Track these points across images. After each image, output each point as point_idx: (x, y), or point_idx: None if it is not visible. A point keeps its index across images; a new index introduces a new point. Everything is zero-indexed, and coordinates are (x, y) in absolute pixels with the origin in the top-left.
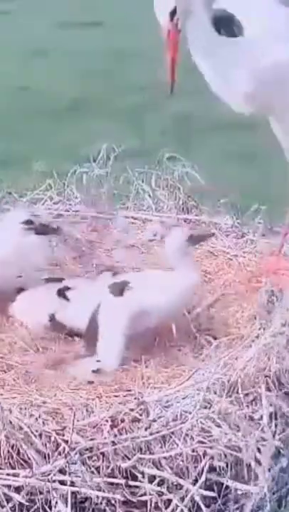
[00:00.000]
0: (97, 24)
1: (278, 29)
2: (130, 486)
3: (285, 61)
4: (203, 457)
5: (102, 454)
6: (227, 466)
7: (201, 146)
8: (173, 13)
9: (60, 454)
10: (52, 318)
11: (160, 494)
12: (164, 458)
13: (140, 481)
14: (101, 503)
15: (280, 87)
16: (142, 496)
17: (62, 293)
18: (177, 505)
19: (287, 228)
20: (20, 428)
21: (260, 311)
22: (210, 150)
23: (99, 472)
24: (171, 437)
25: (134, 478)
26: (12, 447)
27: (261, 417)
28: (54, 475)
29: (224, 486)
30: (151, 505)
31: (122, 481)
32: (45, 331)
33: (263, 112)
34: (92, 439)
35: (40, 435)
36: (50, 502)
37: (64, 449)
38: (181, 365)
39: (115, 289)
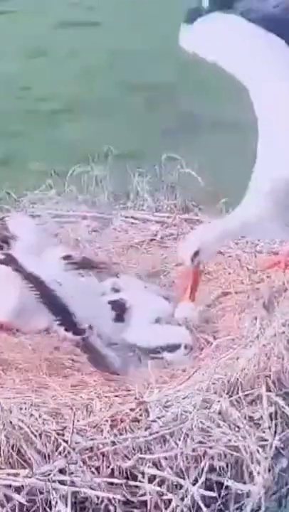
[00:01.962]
0: (97, 24)
1: None
2: (130, 486)
3: None
4: (203, 457)
5: (102, 454)
6: (227, 466)
7: (201, 146)
8: (195, 254)
9: (60, 454)
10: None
11: (160, 494)
12: (164, 458)
13: (140, 481)
14: (101, 503)
15: None
16: (142, 495)
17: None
18: (177, 505)
19: None
20: (20, 428)
21: (260, 311)
22: (210, 150)
23: (99, 472)
24: (171, 437)
25: (134, 478)
26: (12, 447)
27: (261, 417)
28: (54, 475)
29: (224, 486)
30: (151, 505)
31: (122, 481)
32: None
33: None
34: (92, 439)
35: (40, 435)
36: (50, 502)
37: (64, 449)
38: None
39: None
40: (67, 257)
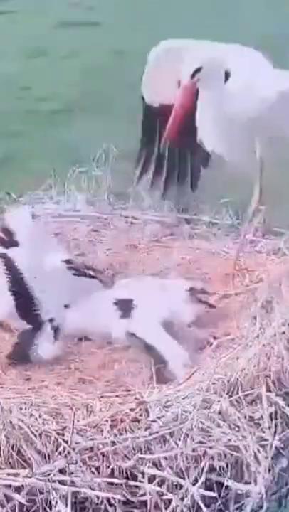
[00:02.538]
0: (97, 24)
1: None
2: (130, 486)
3: None
4: (203, 457)
5: (102, 454)
6: (227, 466)
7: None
8: (197, 71)
9: (60, 454)
10: None
11: (160, 494)
12: (164, 458)
13: (140, 481)
14: (101, 503)
15: None
16: (142, 496)
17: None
18: (177, 505)
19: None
20: (20, 428)
21: (259, 311)
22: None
23: (99, 472)
24: (171, 437)
25: (134, 478)
26: (12, 447)
27: (261, 417)
28: (54, 475)
29: (224, 486)
30: (151, 505)
31: (122, 481)
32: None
33: None
34: (92, 439)
35: (40, 435)
36: (50, 502)
37: (64, 449)
38: None
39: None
40: (68, 261)
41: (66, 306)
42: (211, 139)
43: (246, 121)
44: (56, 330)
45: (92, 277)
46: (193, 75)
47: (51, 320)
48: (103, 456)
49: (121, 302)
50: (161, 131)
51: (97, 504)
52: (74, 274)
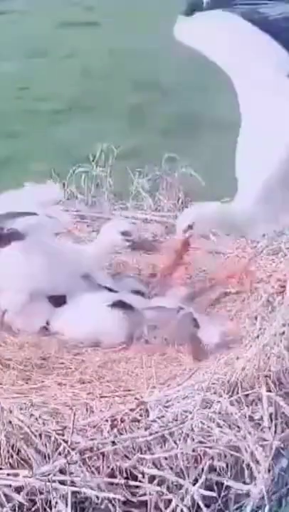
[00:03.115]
0: (97, 24)
1: None
2: (130, 486)
3: None
4: (203, 457)
5: (102, 454)
6: (227, 466)
7: (201, 146)
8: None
9: (60, 454)
10: None
11: (160, 494)
12: (164, 458)
13: (140, 481)
14: (101, 503)
15: None
16: (142, 496)
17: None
18: (177, 505)
19: None
20: (20, 428)
21: (260, 311)
22: (210, 150)
23: (99, 472)
24: (171, 437)
25: (134, 478)
26: (12, 447)
27: (261, 417)
28: (54, 475)
29: (224, 486)
30: (151, 505)
31: (122, 481)
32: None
33: None
34: (92, 439)
35: (40, 435)
36: (50, 502)
37: (64, 449)
38: (181, 365)
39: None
40: (125, 233)
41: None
42: None
43: None
44: None
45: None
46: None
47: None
48: (103, 456)
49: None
50: None
51: (97, 504)
52: (132, 248)
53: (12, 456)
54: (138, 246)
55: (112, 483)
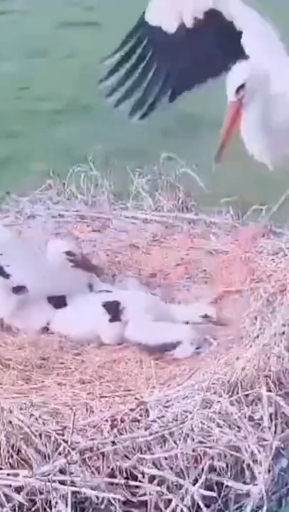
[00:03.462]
0: (97, 24)
1: None
2: (130, 486)
3: None
4: (203, 457)
5: (102, 454)
6: (227, 466)
7: (201, 146)
8: (240, 87)
9: (60, 454)
10: None
11: (160, 494)
12: (164, 458)
13: (140, 481)
14: (101, 503)
15: None
16: (142, 496)
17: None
18: (177, 505)
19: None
20: (20, 428)
21: (260, 310)
22: (210, 150)
23: (99, 472)
24: (171, 437)
25: (134, 478)
26: (12, 447)
27: (261, 417)
28: (54, 475)
29: (224, 486)
30: (151, 505)
31: (122, 481)
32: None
33: None
34: (92, 439)
35: (40, 435)
36: (50, 502)
37: (64, 449)
38: (181, 365)
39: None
40: (68, 253)
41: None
42: (256, 148)
43: None
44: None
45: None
46: (237, 91)
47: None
48: (103, 456)
49: (109, 304)
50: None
51: (97, 504)
52: (73, 266)
53: (12, 456)
54: (81, 265)
55: (112, 483)
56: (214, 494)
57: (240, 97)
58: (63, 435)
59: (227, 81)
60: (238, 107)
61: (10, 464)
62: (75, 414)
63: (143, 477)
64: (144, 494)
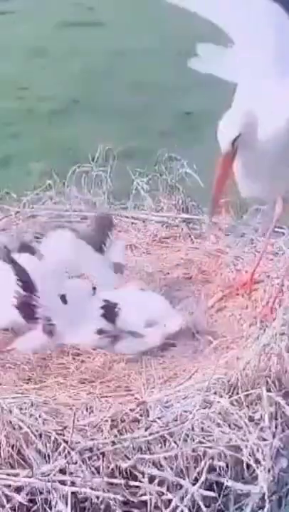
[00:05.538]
0: (97, 24)
1: None
2: (130, 486)
3: None
4: (203, 457)
5: (102, 454)
6: (227, 466)
7: (201, 145)
8: (236, 139)
9: (60, 454)
10: None
11: (160, 494)
12: (164, 458)
13: (140, 481)
14: (101, 503)
15: None
16: (142, 495)
17: None
18: (177, 505)
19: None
20: (20, 428)
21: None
22: (210, 150)
23: (99, 472)
24: (171, 437)
25: (134, 478)
26: (12, 447)
27: (261, 417)
28: (54, 475)
29: (224, 486)
30: (151, 505)
31: (122, 481)
32: None
33: None
34: (92, 439)
35: (40, 435)
36: (50, 502)
37: (64, 449)
38: (181, 365)
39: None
40: None
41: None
42: (248, 188)
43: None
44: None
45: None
46: (232, 143)
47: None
48: (103, 456)
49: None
50: None
51: (97, 504)
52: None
53: (12, 456)
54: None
55: (112, 483)
56: (214, 494)
57: (235, 149)
58: (63, 435)
59: (218, 133)
60: (230, 158)
61: (10, 463)
62: (75, 414)
63: (143, 477)
64: (144, 494)
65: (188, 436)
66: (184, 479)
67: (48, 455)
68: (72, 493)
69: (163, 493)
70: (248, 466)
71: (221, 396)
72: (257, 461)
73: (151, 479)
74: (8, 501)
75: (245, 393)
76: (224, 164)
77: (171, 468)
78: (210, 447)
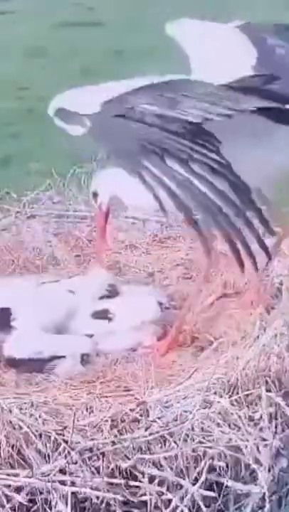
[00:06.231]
0: (98, 24)
1: None
2: (130, 486)
3: None
4: (203, 457)
5: (102, 454)
6: (227, 466)
7: None
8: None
9: (60, 454)
10: None
11: (160, 494)
12: (164, 458)
13: (140, 481)
14: (101, 503)
15: None
16: (142, 495)
17: None
18: (177, 505)
19: None
20: (20, 428)
21: (259, 311)
22: None
23: (99, 472)
24: (171, 437)
25: (134, 478)
26: (12, 447)
27: (261, 417)
28: (54, 475)
29: (224, 486)
30: (151, 505)
31: (122, 481)
32: None
33: None
34: (92, 439)
35: (40, 435)
36: (50, 502)
37: (64, 449)
38: (181, 365)
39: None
40: None
41: None
42: None
43: None
44: None
45: None
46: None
47: None
48: (103, 456)
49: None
50: None
51: (97, 504)
52: None
53: (12, 456)
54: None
55: (112, 483)
56: (214, 494)
57: (99, 204)
58: (63, 435)
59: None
60: (105, 214)
61: (10, 463)
62: (75, 414)
63: (143, 477)
64: (144, 494)
65: (188, 436)
66: (184, 479)
67: (48, 455)
68: (72, 493)
69: (163, 493)
70: (248, 466)
71: (221, 396)
72: (257, 461)
73: (151, 479)
74: (8, 501)
75: (245, 393)
76: (98, 218)
77: (171, 468)
78: (210, 447)
